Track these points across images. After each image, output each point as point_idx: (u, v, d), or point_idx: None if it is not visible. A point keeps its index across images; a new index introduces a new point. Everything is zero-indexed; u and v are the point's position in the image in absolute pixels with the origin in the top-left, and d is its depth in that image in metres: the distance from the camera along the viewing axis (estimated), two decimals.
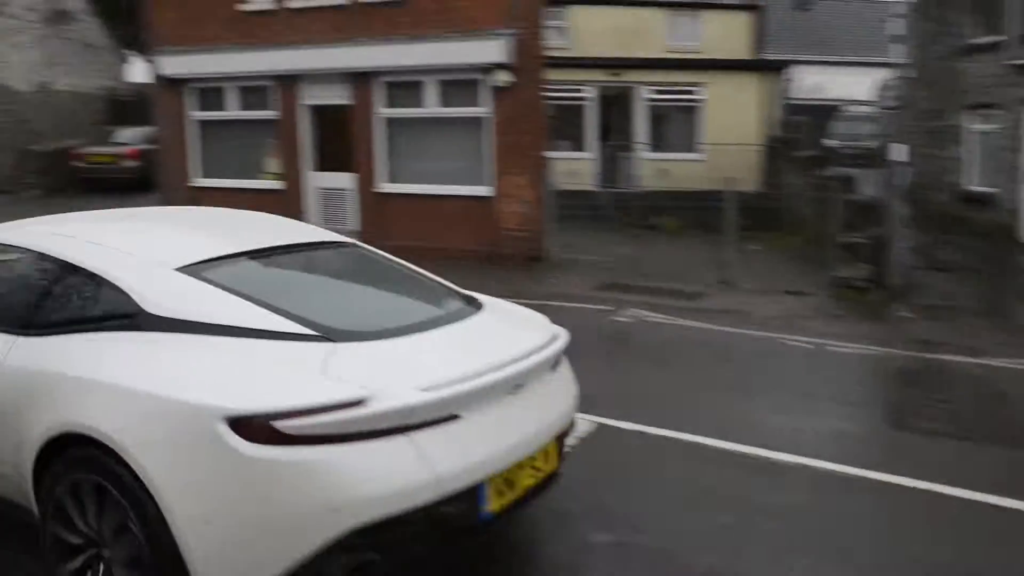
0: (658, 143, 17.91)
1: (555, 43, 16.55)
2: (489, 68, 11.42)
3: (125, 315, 1.66)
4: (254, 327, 1.55)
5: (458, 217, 11.81)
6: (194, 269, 1.83)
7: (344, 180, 12.77)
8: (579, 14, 18.69)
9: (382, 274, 2.57)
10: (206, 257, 1.92)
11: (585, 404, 3.74)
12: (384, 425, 1.44)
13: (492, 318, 2.26)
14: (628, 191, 16.75)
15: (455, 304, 2.39)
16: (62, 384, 1.55)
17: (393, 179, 12.48)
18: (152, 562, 1.39)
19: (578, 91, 17.87)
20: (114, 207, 16.13)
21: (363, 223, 12.55)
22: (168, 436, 1.41)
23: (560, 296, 9.20)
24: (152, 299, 1.67)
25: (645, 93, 17.96)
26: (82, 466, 1.54)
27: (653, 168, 17.30)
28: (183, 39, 13.91)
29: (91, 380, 1.52)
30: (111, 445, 1.45)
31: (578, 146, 18.00)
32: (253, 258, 2.08)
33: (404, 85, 12.15)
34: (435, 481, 1.51)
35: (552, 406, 2.11)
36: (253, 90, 13.55)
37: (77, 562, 1.51)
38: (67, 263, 1.87)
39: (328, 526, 1.39)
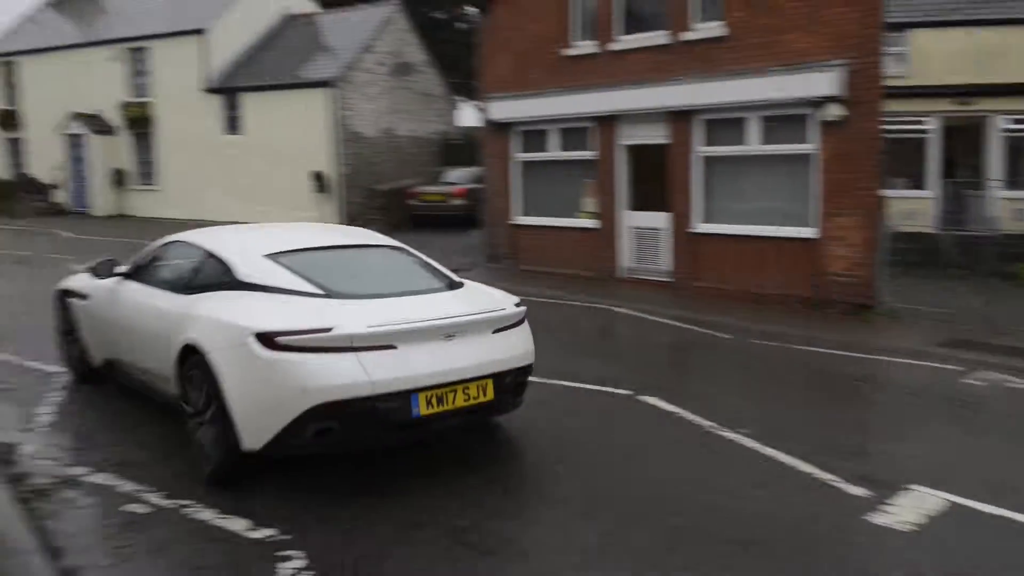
0: (1016, 179, 15.72)
1: (893, 71, 15.63)
2: (819, 102, 10.91)
3: (227, 281, 3.21)
4: (289, 288, 2.95)
5: (777, 260, 11.36)
6: (273, 255, 3.46)
7: (659, 220, 12.78)
8: (921, 37, 16.82)
9: (400, 265, 4.05)
10: (283, 249, 3.57)
11: (935, 478, 4.46)
12: (339, 345, 2.60)
13: (457, 293, 3.52)
14: (977, 234, 15.53)
15: (437, 284, 3.73)
16: (188, 320, 3.05)
17: (708, 219, 12.32)
18: (217, 416, 2.64)
19: (918, 123, 16.66)
20: (442, 242, 17.49)
21: (675, 263, 12.51)
22: (226, 343, 2.70)
23: (896, 351, 8.48)
24: (243, 272, 3.20)
25: (1003, 123, 15.83)
26: (192, 364, 3.00)
27: (1010, 208, 15.37)
28: (510, 85, 14.56)
29: (200, 316, 2.96)
30: (201, 350, 2.83)
31: (916, 184, 16.97)
32: (313, 251, 3.70)
33: (724, 122, 11.94)
34: (370, 383, 2.71)
35: (485, 354, 3.24)
36: (573, 131, 13.96)
37: (193, 422, 2.98)
38: (209, 252, 3.58)
39: (301, 401, 2.56)
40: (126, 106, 28.30)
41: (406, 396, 3.49)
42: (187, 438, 3.89)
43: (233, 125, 26.51)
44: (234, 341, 3.48)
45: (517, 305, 4.59)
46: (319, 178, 24.73)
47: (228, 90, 26.44)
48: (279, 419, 3.38)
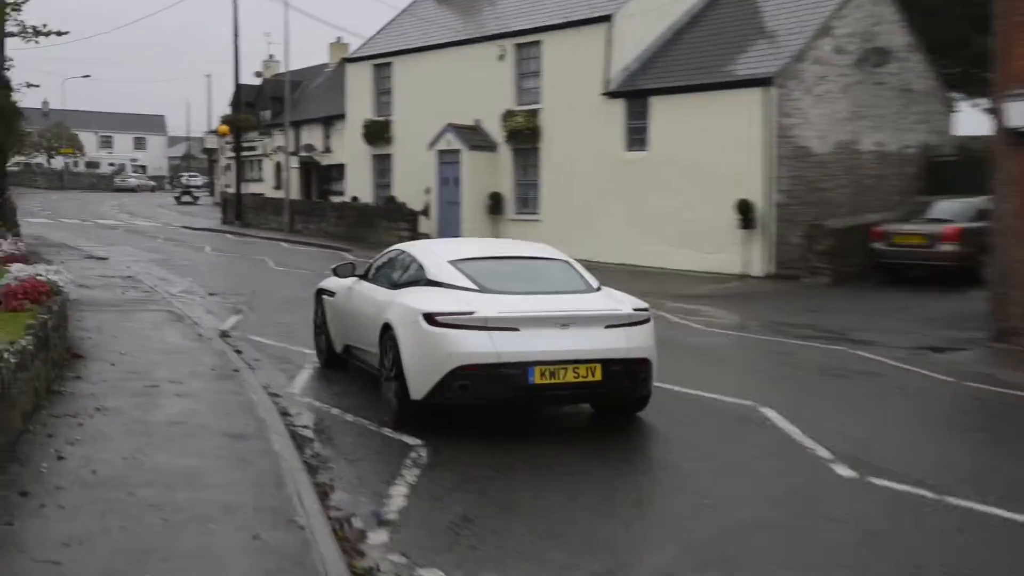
0: None
1: None
2: None
3: (421, 279, 7.50)
4: (458, 284, 7.18)
5: None
6: (455, 262, 7.51)
7: None
8: None
9: (553, 273, 7.88)
10: (463, 257, 7.67)
11: None
12: (476, 324, 6.63)
13: (587, 296, 7.42)
14: None
15: (576, 287, 7.64)
16: (390, 306, 7.47)
17: None
18: (398, 374, 7.00)
19: None
20: (920, 305, 17.64)
21: None
22: (405, 321, 6.94)
23: None
24: (432, 272, 7.47)
25: None
26: (387, 337, 7.39)
27: None
28: None
29: (395, 303, 7.42)
30: (392, 325, 7.19)
31: None
32: (485, 259, 7.77)
33: None
34: (496, 354, 6.60)
35: (594, 343, 6.97)
36: None
37: (385, 381, 7.56)
38: (414, 257, 7.94)
39: (448, 362, 6.69)
40: (508, 116, 29.23)
41: (524, 367, 7.37)
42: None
43: (637, 138, 25.78)
44: (410, 319, 7.52)
45: (639, 310, 8.13)
46: (745, 209, 22.70)
47: (633, 93, 25.81)
48: (433, 375, 7.44)
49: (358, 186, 36.88)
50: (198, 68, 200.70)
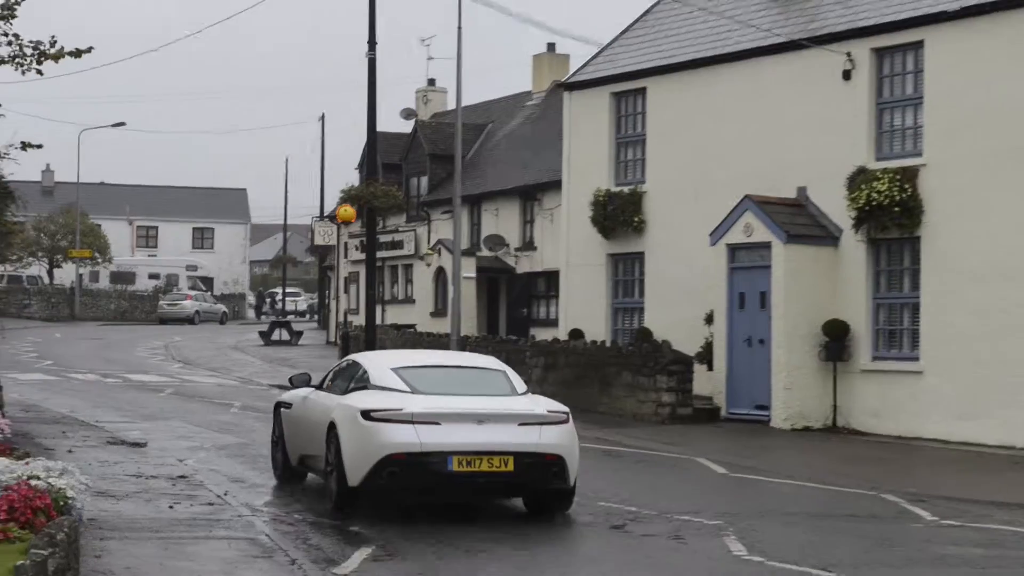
0: None
1: None
2: None
3: (367, 385, 18.84)
4: (394, 387, 18.34)
5: None
6: (395, 369, 18.92)
7: None
8: None
9: (483, 379, 19.21)
10: (403, 365, 19.26)
11: None
12: (403, 419, 17.39)
13: (508, 399, 18.48)
14: None
15: (501, 391, 18.80)
16: (336, 408, 18.61)
17: None
18: (338, 463, 17.71)
19: None
20: None
21: None
22: (346, 418, 17.89)
23: None
24: (375, 378, 18.78)
25: None
26: (331, 434, 18.51)
27: None
28: None
29: (341, 404, 18.50)
30: (336, 423, 18.21)
31: None
32: (423, 367, 19.45)
33: None
34: (420, 444, 17.20)
35: (507, 438, 17.52)
36: None
37: (328, 475, 18.68)
38: (362, 366, 19.58)
39: (379, 452, 17.26)
40: (860, 179, 29.32)
41: (444, 455, 16.89)
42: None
43: None
44: (350, 415, 17.67)
45: (554, 412, 18.16)
46: None
47: None
48: (367, 463, 17.19)
49: (582, 309, 37.37)
50: (302, 105, 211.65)
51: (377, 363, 19.41)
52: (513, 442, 17.46)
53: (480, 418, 17.48)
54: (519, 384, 19.03)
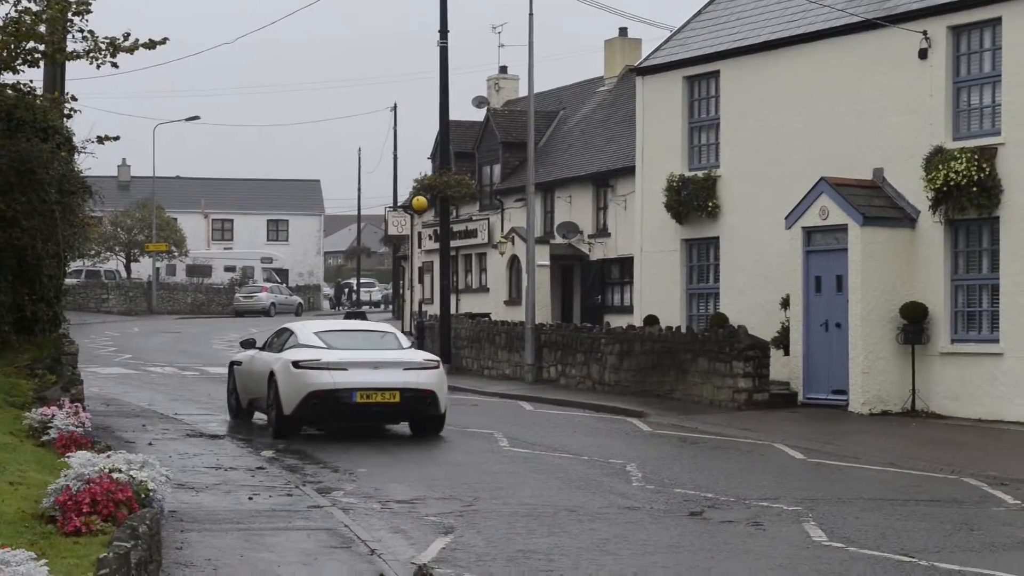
0: None
1: None
2: None
3: (295, 344, 27.04)
4: (315, 345, 26.68)
5: None
6: (317, 332, 27.81)
7: None
8: None
9: (380, 338, 28.46)
10: (323, 330, 28.51)
11: None
12: (321, 367, 25.78)
13: (397, 351, 27.11)
14: None
15: (392, 346, 27.62)
16: (274, 361, 26.87)
17: None
18: (276, 400, 26.00)
19: None
20: None
21: None
22: (281, 367, 26.05)
23: None
24: (302, 339, 27.19)
25: None
26: (271, 379, 26.82)
27: None
28: None
29: (278, 358, 26.77)
30: (274, 372, 26.39)
31: None
32: (337, 331, 28.78)
33: None
34: (333, 384, 25.70)
35: (394, 378, 25.89)
36: None
37: (269, 409, 27.05)
38: (292, 331, 28.14)
39: (305, 390, 25.57)
40: (938, 159, 29.11)
41: (350, 391, 25.53)
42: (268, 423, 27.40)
43: None
44: (284, 365, 26.03)
45: (429, 360, 27.08)
46: None
47: None
48: (297, 398, 25.58)
49: (657, 295, 37.41)
50: (375, 94, 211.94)
51: (303, 329, 28.23)
52: (399, 381, 25.80)
53: (375, 365, 25.97)
54: (405, 342, 28.17)
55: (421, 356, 27.38)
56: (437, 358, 27.52)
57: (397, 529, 16.32)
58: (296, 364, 25.63)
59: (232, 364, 30.04)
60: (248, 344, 29.91)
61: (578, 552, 15.12)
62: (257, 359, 28.01)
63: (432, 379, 26.23)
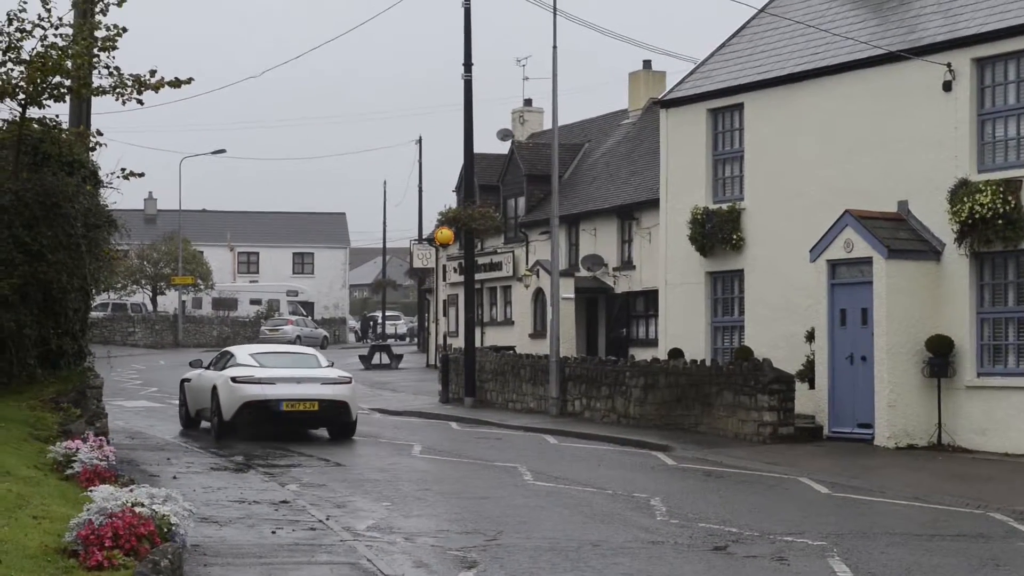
0: None
1: None
2: None
3: (234, 364, 33.45)
4: (250, 364, 32.93)
5: None
6: (252, 354, 34.22)
7: None
8: None
9: (306, 358, 35.31)
10: (258, 352, 35.27)
11: None
12: (254, 382, 31.88)
13: (318, 370, 33.56)
14: None
15: (316, 365, 34.21)
16: (216, 378, 32.97)
17: None
18: (217, 409, 32.40)
19: None
20: None
21: None
22: (222, 382, 32.19)
23: None
24: (239, 360, 33.39)
25: None
26: (214, 392, 33.11)
27: None
28: None
29: (219, 375, 32.93)
30: (217, 386, 32.60)
31: None
32: (269, 353, 35.57)
33: None
34: (264, 396, 31.87)
35: (314, 392, 32.33)
36: None
37: (213, 416, 33.55)
38: (232, 354, 34.72)
39: (241, 400, 31.76)
40: (963, 192, 29.00)
41: (277, 402, 31.86)
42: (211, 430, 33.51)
43: None
44: (224, 381, 32.16)
45: (342, 377, 33.33)
46: None
47: None
48: (234, 407, 31.81)
49: (681, 328, 37.36)
50: (399, 127, 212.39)
51: (240, 352, 34.41)
52: (318, 394, 31.98)
53: (299, 380, 32.09)
54: (324, 361, 34.31)
55: (336, 373, 33.26)
56: (350, 375, 33.92)
57: (420, 563, 16.29)
58: (234, 380, 31.75)
59: (183, 381, 36.08)
60: (196, 364, 36.06)
61: None
62: (203, 376, 33.98)
63: (345, 392, 32.75)
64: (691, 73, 38.67)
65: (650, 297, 45.13)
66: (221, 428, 31.91)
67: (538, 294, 52.68)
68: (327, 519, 19.42)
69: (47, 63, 25.81)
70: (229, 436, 31.26)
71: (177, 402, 37.01)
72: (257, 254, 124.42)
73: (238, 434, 31.60)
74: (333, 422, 33.04)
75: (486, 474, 25.87)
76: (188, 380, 35.36)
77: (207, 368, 34.39)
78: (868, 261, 30.07)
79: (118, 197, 31.17)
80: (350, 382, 33.04)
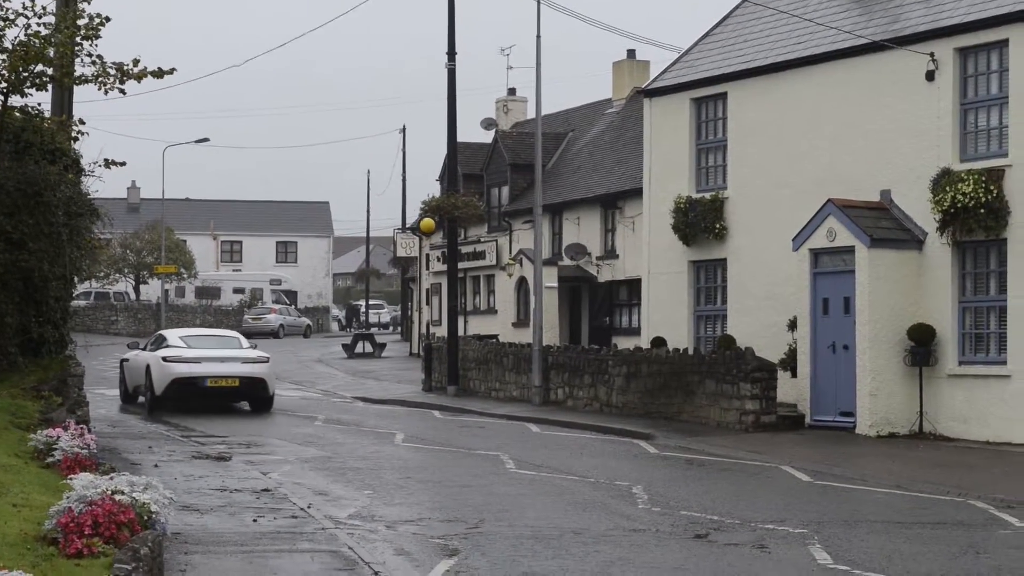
0: None
1: None
2: None
3: (166, 345, 38.54)
4: (180, 345, 38.05)
5: None
6: (182, 337, 39.92)
7: None
8: None
9: (231, 340, 41.24)
10: (187, 335, 41.24)
11: None
12: (183, 360, 37.02)
13: (240, 350, 39.08)
14: None
15: (239, 346, 39.66)
16: (150, 358, 37.93)
17: None
18: (150, 385, 37.25)
19: None
20: None
21: None
22: (155, 362, 37.15)
23: None
24: (170, 341, 38.64)
25: None
26: (147, 370, 38.11)
27: None
28: None
29: (153, 355, 37.87)
30: (150, 365, 37.63)
31: None
32: (198, 336, 41.84)
33: None
34: (191, 373, 36.87)
35: (235, 370, 37.40)
36: None
37: (146, 392, 38.41)
38: (165, 336, 40.28)
39: (170, 377, 36.57)
40: (945, 181, 29.06)
41: (203, 379, 36.72)
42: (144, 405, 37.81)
43: None
44: (157, 360, 37.06)
45: (260, 357, 38.38)
46: None
47: None
48: (165, 383, 36.56)
49: (664, 316, 37.39)
50: (383, 117, 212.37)
51: (171, 335, 39.72)
52: (238, 372, 36.67)
53: (222, 359, 36.80)
54: (245, 343, 39.60)
55: (255, 354, 38.22)
56: (268, 356, 38.81)
57: (401, 551, 16.31)
58: (165, 359, 36.51)
59: (122, 361, 40.97)
60: (133, 346, 41.13)
61: (583, 574, 15.11)
62: (140, 356, 38.45)
63: (263, 370, 37.59)
64: (675, 62, 38.65)
65: (633, 286, 45.14)
66: (153, 402, 36.50)
67: (521, 283, 52.66)
68: (309, 507, 19.43)
69: (29, 52, 25.71)
70: (160, 409, 35.92)
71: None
72: (240, 243, 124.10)
73: (168, 407, 36.36)
74: (252, 397, 38.06)
75: (468, 462, 25.89)
76: (127, 360, 40.10)
77: (143, 349, 39.13)
78: (851, 250, 30.10)
79: (100, 186, 31.03)
80: (268, 361, 38.21)
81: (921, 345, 29.44)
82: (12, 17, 26.05)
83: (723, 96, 35.83)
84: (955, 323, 29.49)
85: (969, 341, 29.45)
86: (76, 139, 29.39)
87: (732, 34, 37.43)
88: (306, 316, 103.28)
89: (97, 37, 26.69)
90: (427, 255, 65.97)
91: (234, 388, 37.27)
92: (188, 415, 34.97)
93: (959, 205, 28.58)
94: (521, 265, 52.07)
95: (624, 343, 41.74)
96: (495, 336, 49.14)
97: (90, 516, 12.40)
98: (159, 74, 27.47)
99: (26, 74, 26.40)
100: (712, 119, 36.42)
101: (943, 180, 29.10)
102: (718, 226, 35.27)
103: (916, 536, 17.88)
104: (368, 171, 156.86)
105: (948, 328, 29.45)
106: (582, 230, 51.47)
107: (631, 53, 58.39)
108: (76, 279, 30.24)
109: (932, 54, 29.81)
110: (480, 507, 19.85)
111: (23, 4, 26.12)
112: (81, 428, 20.49)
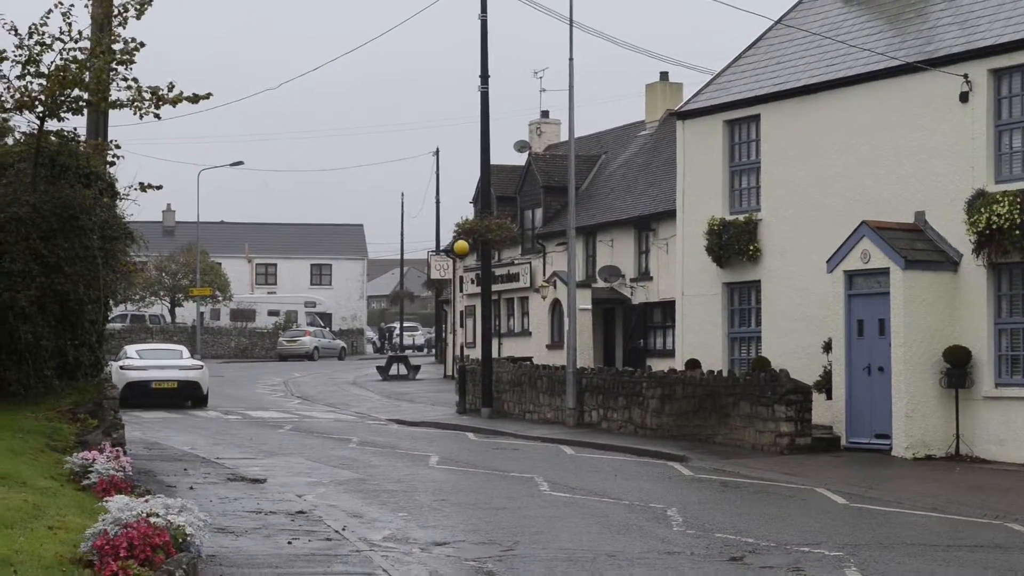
0: None
1: None
2: None
3: (126, 357, 50.97)
4: (134, 357, 50.28)
5: None
6: (138, 350, 52.38)
7: None
8: None
9: (175, 353, 53.18)
10: (142, 348, 54.34)
11: None
12: (135, 368, 49.20)
13: (181, 359, 51.55)
14: None
15: (182, 358, 51.98)
16: (112, 366, 44.78)
17: None
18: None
19: None
20: None
21: None
22: (116, 369, 46.85)
23: None
24: (130, 353, 51.12)
25: None
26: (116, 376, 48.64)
27: None
28: None
29: (115, 364, 47.56)
30: (115, 370, 46.24)
31: None
32: (150, 349, 55.09)
33: None
34: (142, 378, 49.00)
35: (175, 375, 49.57)
36: None
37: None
38: (124, 350, 52.57)
39: (125, 380, 46.92)
40: (980, 203, 28.92)
41: (149, 382, 48.97)
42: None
43: None
44: (117, 368, 47.31)
45: (196, 365, 51.06)
46: None
47: None
48: (121, 385, 43.66)
49: (698, 338, 37.32)
50: (417, 139, 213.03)
51: (130, 349, 50.11)
52: (177, 376, 47.96)
53: (164, 367, 47.89)
54: (186, 354, 50.74)
55: (191, 362, 49.76)
56: (202, 363, 50.89)
57: (436, 573, 16.28)
58: (122, 367, 46.95)
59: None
60: (116, 357, 48.81)
61: None
62: (111, 365, 42.71)
63: (197, 375, 48.37)
64: (708, 85, 38.65)
65: (667, 308, 45.05)
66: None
67: (555, 305, 52.69)
68: (343, 529, 19.41)
69: (66, 76, 25.87)
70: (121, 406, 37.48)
71: None
72: (275, 265, 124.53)
73: (126, 404, 41.12)
74: (189, 396, 48.55)
75: (503, 485, 25.83)
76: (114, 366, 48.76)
77: (119, 359, 48.86)
78: (885, 272, 29.99)
79: (135, 209, 31.19)
80: (202, 368, 49.57)
81: (957, 367, 29.27)
82: (49, 42, 26.20)
83: (756, 118, 35.78)
84: (991, 345, 29.32)
85: (1005, 363, 29.27)
86: (112, 163, 29.52)
87: (764, 56, 37.40)
88: (340, 338, 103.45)
89: (132, 62, 26.83)
90: (461, 277, 66.01)
91: (173, 389, 48.27)
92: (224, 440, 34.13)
93: (994, 227, 28.44)
94: (555, 287, 52.08)
95: (658, 365, 41.66)
96: (529, 358, 49.05)
97: (125, 539, 12.42)
98: (194, 99, 27.54)
99: (63, 98, 26.54)
100: (745, 141, 36.36)
101: (978, 201, 28.97)
102: (752, 248, 35.19)
103: (953, 559, 17.76)
104: (402, 193, 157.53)
105: (984, 350, 29.28)
106: (616, 252, 51.49)
107: (664, 75, 58.50)
108: (111, 302, 30.29)
109: (966, 75, 29.71)
110: (514, 529, 19.79)
111: (60, 29, 26.28)
112: (117, 451, 20.53)
